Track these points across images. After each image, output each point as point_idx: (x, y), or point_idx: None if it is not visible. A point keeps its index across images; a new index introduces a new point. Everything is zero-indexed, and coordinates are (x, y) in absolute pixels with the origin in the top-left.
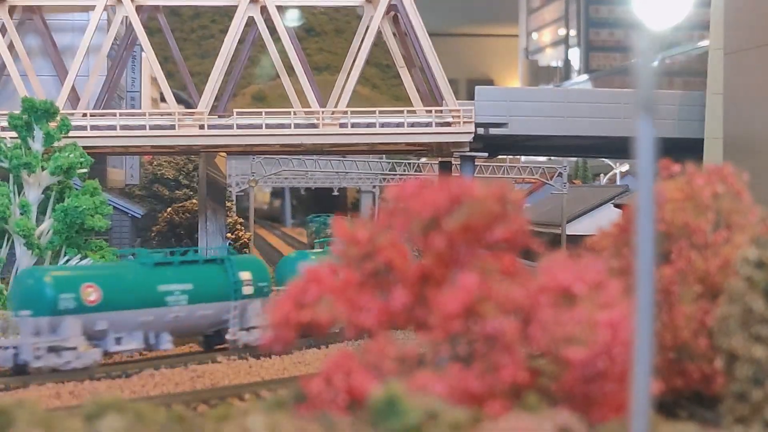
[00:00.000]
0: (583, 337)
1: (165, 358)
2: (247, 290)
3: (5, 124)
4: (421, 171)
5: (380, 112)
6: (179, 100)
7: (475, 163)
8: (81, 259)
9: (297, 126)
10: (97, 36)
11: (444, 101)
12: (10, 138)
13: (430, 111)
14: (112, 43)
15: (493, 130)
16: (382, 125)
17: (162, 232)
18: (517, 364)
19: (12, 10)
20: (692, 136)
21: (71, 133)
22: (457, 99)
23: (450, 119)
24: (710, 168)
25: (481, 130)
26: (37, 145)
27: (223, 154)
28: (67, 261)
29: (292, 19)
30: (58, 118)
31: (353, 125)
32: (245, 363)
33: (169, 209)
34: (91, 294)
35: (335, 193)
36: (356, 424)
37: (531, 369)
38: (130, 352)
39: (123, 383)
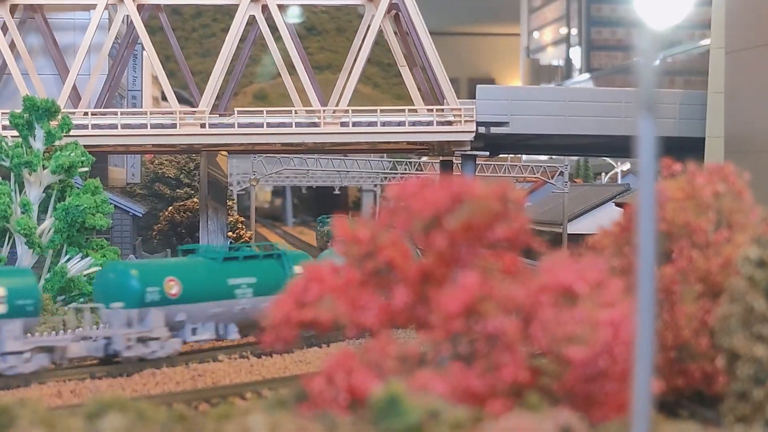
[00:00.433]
0: (585, 336)
1: (166, 357)
2: None
3: (6, 122)
4: (422, 170)
5: (381, 111)
6: (180, 99)
7: (477, 162)
8: (82, 258)
9: (298, 125)
10: (99, 35)
11: (445, 100)
12: (12, 137)
13: (432, 110)
14: (114, 42)
15: (494, 129)
16: (384, 124)
17: (163, 231)
18: (518, 364)
19: (13, 8)
20: (693, 135)
21: (72, 132)
22: (458, 98)
23: (451, 118)
24: (711, 167)
25: (482, 129)
26: (38, 143)
27: (225, 152)
28: (68, 260)
29: (294, 15)
30: (59, 116)
31: (354, 124)
32: (246, 362)
33: (171, 208)
34: (173, 287)
35: (336, 192)
36: (357, 423)
37: (532, 368)
38: (204, 342)
39: (124, 382)
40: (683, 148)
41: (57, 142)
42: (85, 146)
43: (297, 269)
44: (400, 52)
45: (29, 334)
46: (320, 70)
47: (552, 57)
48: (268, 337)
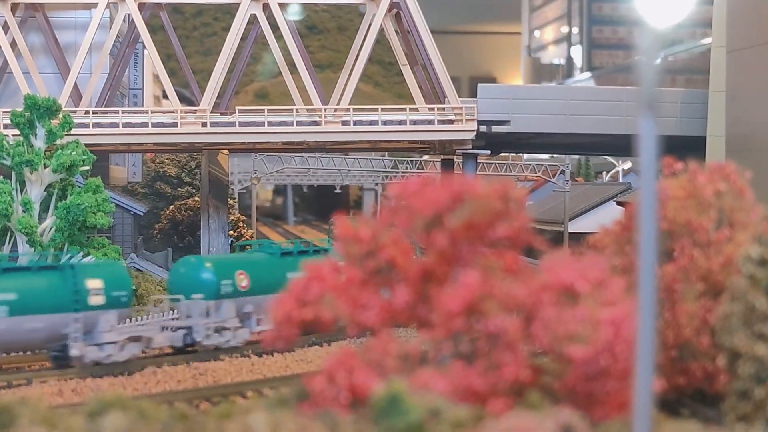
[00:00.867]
0: (586, 335)
1: (167, 355)
2: None
3: (8, 121)
4: (423, 169)
5: (383, 109)
6: (182, 98)
7: (478, 161)
8: (83, 257)
9: (299, 123)
10: (100, 33)
11: (446, 99)
12: (13, 135)
13: (433, 109)
14: (115, 41)
15: (495, 128)
16: (385, 123)
17: (164, 230)
18: (519, 362)
19: (15, 7)
20: (694, 134)
21: (73, 131)
22: (459, 97)
23: (452, 117)
24: (712, 166)
25: (483, 128)
26: (39, 142)
27: (226, 151)
28: (70, 259)
29: (294, 13)
30: (61, 115)
31: (356, 123)
32: (247, 360)
33: (172, 207)
34: (243, 280)
35: (337, 190)
36: (358, 422)
37: (533, 367)
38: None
39: (125, 381)
40: (684, 147)
41: (58, 141)
42: (86, 145)
43: None
44: (401, 51)
45: (121, 324)
46: (321, 69)
47: (553, 56)
48: (269, 335)
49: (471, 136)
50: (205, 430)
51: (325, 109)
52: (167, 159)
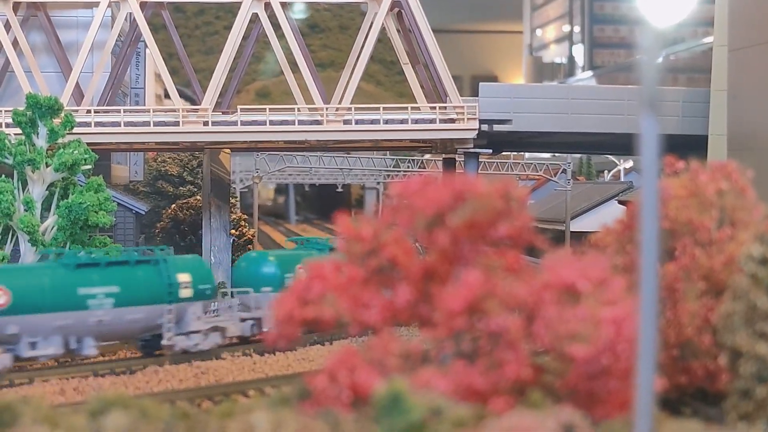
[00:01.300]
0: (587, 334)
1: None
2: None
3: (10, 120)
4: (425, 168)
5: (384, 108)
6: (183, 97)
7: (479, 160)
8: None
9: (301, 122)
10: (101, 32)
11: (448, 98)
12: (15, 134)
13: (434, 108)
14: (116, 40)
15: (497, 127)
16: (386, 122)
17: (166, 229)
18: (520, 361)
19: (16, 6)
20: (696, 133)
21: (75, 130)
22: (461, 95)
23: (454, 116)
24: (714, 165)
25: (485, 127)
26: (41, 141)
27: (227, 150)
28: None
29: (296, 12)
30: (62, 114)
31: (357, 122)
32: (249, 359)
33: (173, 206)
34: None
35: (339, 189)
36: (360, 421)
37: (535, 366)
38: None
39: (127, 379)
40: (686, 146)
41: (60, 140)
42: (88, 144)
43: None
44: (402, 50)
45: (205, 315)
46: (323, 68)
47: (555, 54)
48: (271, 334)
49: (473, 135)
50: (206, 429)
51: (326, 108)
52: (169, 158)
